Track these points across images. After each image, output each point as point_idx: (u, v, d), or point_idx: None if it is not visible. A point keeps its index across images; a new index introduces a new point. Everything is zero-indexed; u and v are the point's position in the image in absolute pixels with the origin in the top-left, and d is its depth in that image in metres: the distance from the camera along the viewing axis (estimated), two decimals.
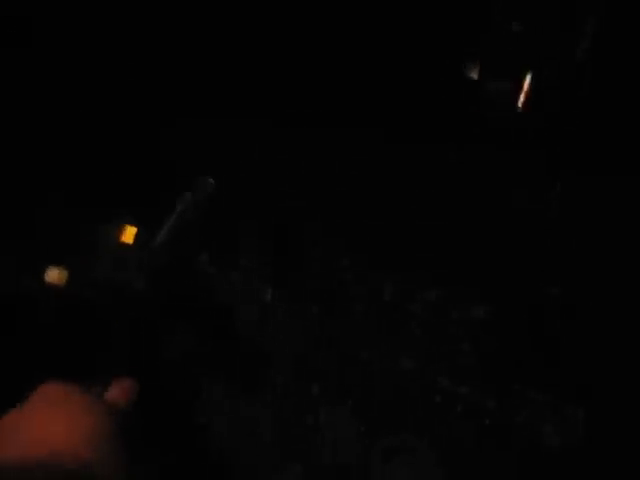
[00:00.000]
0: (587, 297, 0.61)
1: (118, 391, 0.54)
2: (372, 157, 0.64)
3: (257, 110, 0.71)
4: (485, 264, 0.60)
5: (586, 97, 0.59)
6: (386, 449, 0.63)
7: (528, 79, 0.58)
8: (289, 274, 0.69)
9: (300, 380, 0.69)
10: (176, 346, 0.75)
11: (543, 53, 0.58)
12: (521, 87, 0.59)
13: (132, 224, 0.72)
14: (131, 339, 0.70)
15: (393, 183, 0.63)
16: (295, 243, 0.68)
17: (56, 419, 0.48)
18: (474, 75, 0.58)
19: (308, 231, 0.67)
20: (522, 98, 0.58)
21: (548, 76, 0.59)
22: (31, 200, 0.75)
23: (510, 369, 0.61)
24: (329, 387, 0.67)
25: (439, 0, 0.57)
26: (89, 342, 0.68)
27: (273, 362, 0.71)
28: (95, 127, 0.75)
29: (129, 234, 0.73)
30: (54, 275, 0.69)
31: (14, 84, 0.73)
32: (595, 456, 0.60)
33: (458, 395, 0.58)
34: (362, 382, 0.65)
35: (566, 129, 0.60)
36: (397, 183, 0.63)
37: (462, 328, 0.58)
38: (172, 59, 0.76)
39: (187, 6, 0.75)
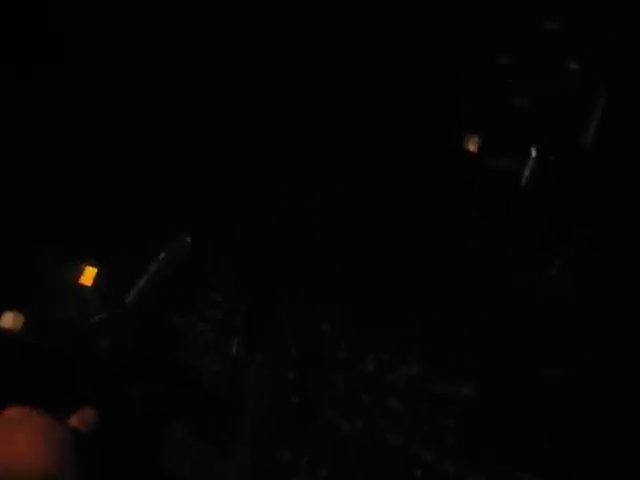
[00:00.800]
0: (586, 379, 0.58)
1: (79, 418, 0.57)
2: (360, 217, 0.63)
3: (239, 153, 0.72)
4: (475, 339, 0.57)
5: (591, 175, 0.56)
6: None
7: (532, 156, 0.57)
8: (263, 336, 0.69)
9: (270, 444, 0.68)
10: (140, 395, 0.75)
11: (548, 130, 0.56)
12: (524, 165, 0.57)
13: (92, 264, 0.70)
14: (94, 383, 0.68)
15: (383, 248, 0.62)
16: (271, 303, 0.68)
17: (18, 438, 0.51)
18: (474, 148, 0.57)
19: (287, 291, 0.66)
20: (526, 175, 0.57)
21: (553, 154, 0.57)
22: None
23: (499, 448, 0.58)
24: (301, 455, 0.65)
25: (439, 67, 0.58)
26: (49, 384, 0.66)
27: (242, 422, 0.70)
28: (61, 158, 0.76)
29: (88, 275, 0.71)
30: (9, 320, 0.66)
31: None
32: None
33: (442, 471, 0.56)
34: (339, 453, 0.63)
35: (570, 205, 0.58)
36: (388, 248, 0.62)
37: (447, 404, 0.56)
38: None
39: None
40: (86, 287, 0.70)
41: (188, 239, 0.67)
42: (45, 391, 0.65)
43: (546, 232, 0.57)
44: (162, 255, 0.66)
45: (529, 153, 0.57)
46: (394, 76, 0.62)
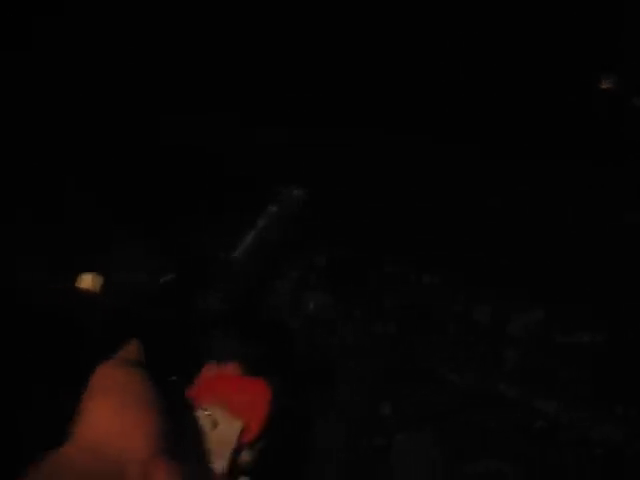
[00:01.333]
0: None
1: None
2: (465, 175, 0.59)
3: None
4: (594, 283, 0.52)
5: None
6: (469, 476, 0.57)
7: None
8: (361, 290, 0.65)
9: (372, 398, 0.65)
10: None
11: None
12: None
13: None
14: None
15: (494, 199, 0.58)
16: (373, 254, 0.64)
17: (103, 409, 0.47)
18: (612, 86, 0.54)
19: (388, 245, 0.63)
20: None
21: None
22: (60, 200, 0.74)
23: (622, 396, 0.52)
24: (405, 409, 0.62)
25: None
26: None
27: (342, 377, 0.68)
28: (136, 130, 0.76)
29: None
30: (88, 281, 0.66)
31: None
32: None
33: (562, 423, 0.51)
34: (447, 406, 0.60)
35: None
36: (500, 198, 0.58)
37: (566, 353, 0.51)
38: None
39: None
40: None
41: (300, 192, 0.64)
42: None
43: None
44: (272, 208, 0.63)
45: None
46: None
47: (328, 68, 0.72)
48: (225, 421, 0.55)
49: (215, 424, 0.54)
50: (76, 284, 0.66)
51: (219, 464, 0.52)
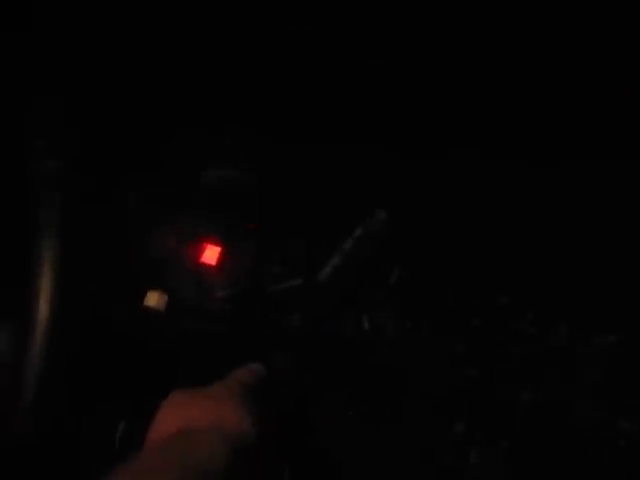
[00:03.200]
0: None
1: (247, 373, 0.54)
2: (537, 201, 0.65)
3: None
4: None
5: None
6: None
7: None
8: (430, 309, 0.67)
9: (442, 416, 0.67)
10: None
11: None
12: None
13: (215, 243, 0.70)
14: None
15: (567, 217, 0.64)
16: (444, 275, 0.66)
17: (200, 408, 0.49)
18: None
19: (461, 266, 0.65)
20: None
21: None
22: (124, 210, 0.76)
23: None
24: (477, 427, 0.65)
25: None
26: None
27: (409, 392, 0.70)
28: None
29: (211, 255, 0.71)
30: (154, 298, 0.67)
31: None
32: None
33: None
34: (521, 424, 0.63)
35: None
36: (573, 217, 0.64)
37: None
38: None
39: None
40: (209, 266, 0.72)
41: (384, 215, 0.65)
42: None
43: None
44: (358, 232, 0.65)
45: None
46: None
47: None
48: None
49: None
50: (144, 302, 0.66)
51: None
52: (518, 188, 0.67)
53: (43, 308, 0.47)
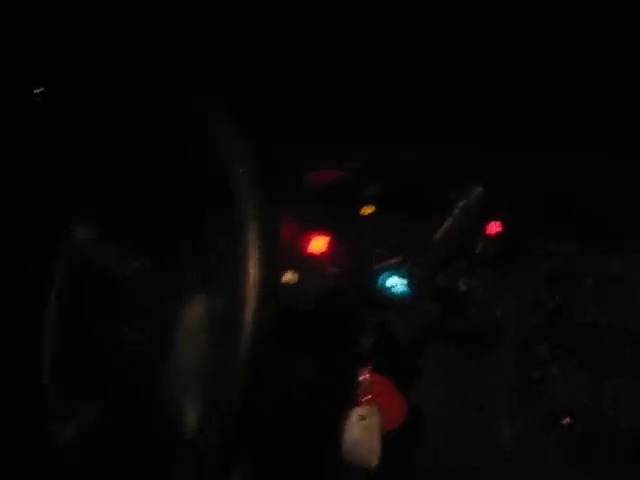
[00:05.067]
0: None
1: None
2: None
3: None
4: None
5: None
6: (615, 388, 0.75)
7: None
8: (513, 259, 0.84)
9: (528, 343, 0.83)
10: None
11: None
12: None
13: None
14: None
15: None
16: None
17: None
18: None
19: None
20: None
21: None
22: None
23: None
24: (556, 347, 0.80)
25: None
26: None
27: (501, 332, 0.86)
28: None
29: (318, 244, 0.85)
30: (288, 276, 0.81)
31: None
32: None
33: None
34: (590, 340, 0.79)
35: None
36: None
37: None
38: None
39: None
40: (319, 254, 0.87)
41: (480, 189, 0.78)
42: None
43: None
44: (461, 203, 0.79)
45: None
46: None
47: None
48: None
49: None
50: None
51: None
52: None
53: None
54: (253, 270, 0.54)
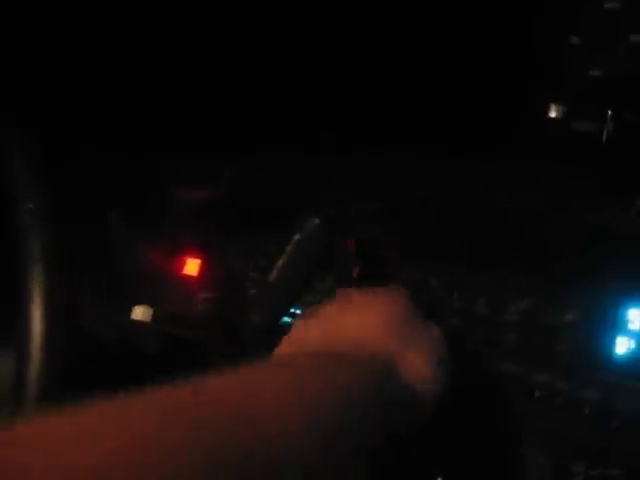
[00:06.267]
0: None
1: None
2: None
3: None
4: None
5: None
6: None
7: (609, 118, 0.66)
8: None
9: None
10: None
11: (621, 95, 0.66)
12: (604, 126, 0.66)
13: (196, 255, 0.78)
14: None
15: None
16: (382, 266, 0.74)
17: (350, 313, 0.49)
18: (556, 115, 0.67)
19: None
20: (605, 136, 0.66)
21: (629, 115, 0.66)
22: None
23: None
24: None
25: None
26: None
27: None
28: None
29: (192, 266, 0.79)
30: (139, 312, 0.75)
31: None
32: None
33: (556, 390, 0.61)
34: None
35: None
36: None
37: (556, 331, 0.63)
38: None
39: None
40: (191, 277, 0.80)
41: (317, 221, 0.70)
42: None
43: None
44: (296, 236, 0.71)
45: (606, 116, 0.67)
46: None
47: None
48: None
49: None
50: (131, 316, 0.76)
51: None
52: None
53: (36, 328, 0.53)
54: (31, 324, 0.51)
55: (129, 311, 0.76)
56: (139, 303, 0.76)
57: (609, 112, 0.64)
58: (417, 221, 0.72)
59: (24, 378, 0.52)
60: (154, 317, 0.75)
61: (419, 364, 0.46)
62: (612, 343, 0.60)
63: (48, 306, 0.53)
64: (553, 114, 0.66)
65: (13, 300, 0.59)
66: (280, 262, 0.72)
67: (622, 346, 0.60)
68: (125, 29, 0.88)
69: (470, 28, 0.69)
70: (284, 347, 0.50)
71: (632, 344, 0.60)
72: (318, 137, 0.78)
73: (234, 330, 0.76)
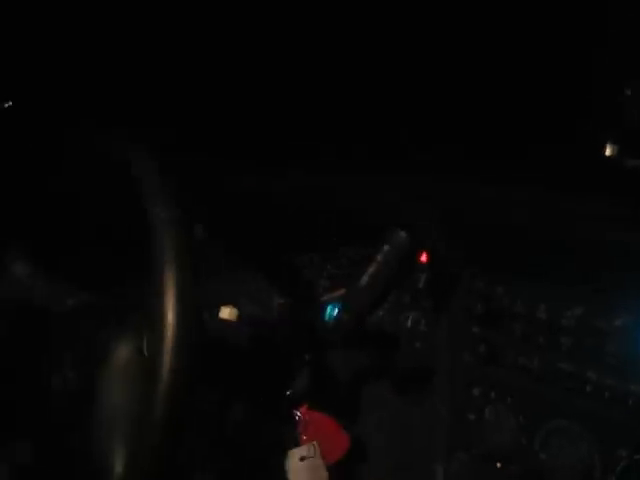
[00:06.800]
0: None
1: None
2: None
3: None
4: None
5: None
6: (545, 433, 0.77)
7: None
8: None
9: (463, 386, 0.86)
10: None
11: None
12: None
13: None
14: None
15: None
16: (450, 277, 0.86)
17: None
18: (612, 153, 0.78)
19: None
20: None
21: None
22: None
23: None
24: (489, 390, 0.83)
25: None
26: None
27: (437, 373, 0.89)
28: None
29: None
30: (226, 312, 0.80)
31: None
32: None
33: (605, 385, 0.71)
34: (520, 384, 0.81)
35: None
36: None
37: (605, 334, 0.73)
38: None
39: None
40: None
41: (404, 234, 0.79)
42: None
43: None
44: (386, 247, 0.80)
45: None
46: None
47: None
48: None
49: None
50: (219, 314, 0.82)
51: None
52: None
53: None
54: (167, 312, 0.53)
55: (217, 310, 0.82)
56: (225, 304, 0.83)
57: None
58: (485, 238, 0.84)
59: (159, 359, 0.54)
60: (239, 317, 0.82)
61: None
62: None
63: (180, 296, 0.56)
64: (609, 152, 0.77)
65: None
66: (371, 269, 0.81)
67: None
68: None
69: (548, 69, 0.81)
70: None
71: None
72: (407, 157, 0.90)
73: (306, 331, 0.87)
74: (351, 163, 0.97)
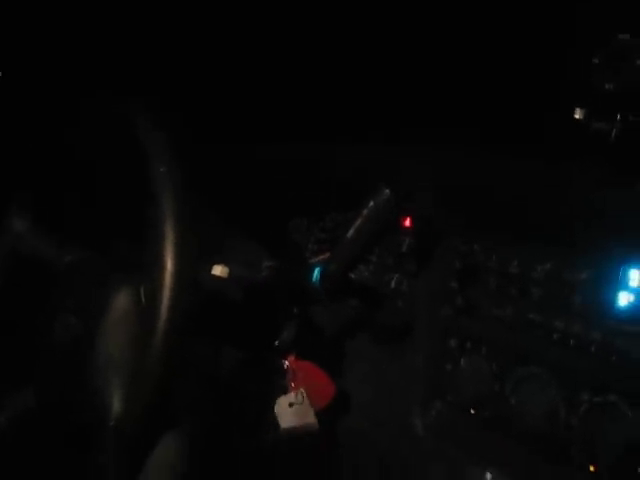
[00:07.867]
0: None
1: None
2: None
3: None
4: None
5: None
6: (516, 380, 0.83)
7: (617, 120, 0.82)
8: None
9: (441, 335, 0.91)
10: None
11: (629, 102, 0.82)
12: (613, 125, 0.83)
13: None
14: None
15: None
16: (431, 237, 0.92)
17: None
18: (580, 116, 0.83)
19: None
20: (614, 133, 0.82)
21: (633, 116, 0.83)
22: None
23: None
24: (465, 341, 0.89)
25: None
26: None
27: (417, 327, 0.95)
28: None
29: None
30: (218, 270, 0.86)
31: None
32: None
33: (571, 334, 0.77)
34: (493, 334, 0.87)
35: None
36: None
37: (572, 286, 0.78)
38: None
39: None
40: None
41: (388, 192, 0.82)
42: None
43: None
44: (370, 203, 0.83)
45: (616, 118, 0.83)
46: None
47: None
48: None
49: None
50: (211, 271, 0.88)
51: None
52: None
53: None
54: (168, 261, 0.58)
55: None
56: (217, 262, 0.88)
57: (618, 116, 0.81)
58: (464, 200, 0.89)
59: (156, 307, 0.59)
60: (230, 275, 0.87)
61: None
62: (615, 297, 0.76)
63: (180, 247, 0.61)
64: (578, 115, 0.83)
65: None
66: (357, 222, 0.86)
67: (623, 299, 0.76)
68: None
69: (515, 46, 0.86)
70: None
71: (631, 298, 0.76)
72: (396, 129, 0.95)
73: (294, 289, 0.93)
74: (340, 132, 1.01)
